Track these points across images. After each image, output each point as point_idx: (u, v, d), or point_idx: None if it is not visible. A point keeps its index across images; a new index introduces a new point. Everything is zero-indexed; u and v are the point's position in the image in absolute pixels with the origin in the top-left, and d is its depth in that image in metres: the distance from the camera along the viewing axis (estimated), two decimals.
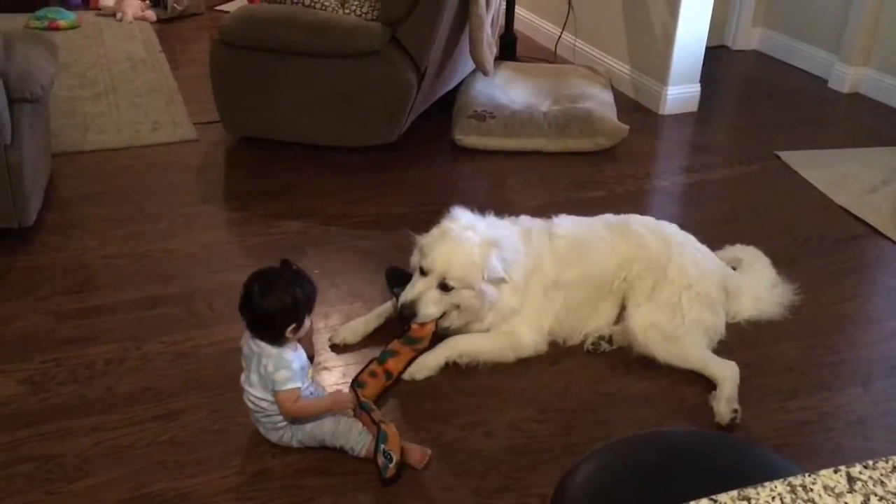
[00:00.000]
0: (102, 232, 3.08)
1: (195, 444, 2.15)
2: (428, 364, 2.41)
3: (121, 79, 4.47)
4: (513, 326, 2.49)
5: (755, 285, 2.73)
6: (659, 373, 2.46)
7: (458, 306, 2.42)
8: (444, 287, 2.36)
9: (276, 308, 1.99)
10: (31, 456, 2.09)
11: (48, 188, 3.24)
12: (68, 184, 3.40)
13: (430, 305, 2.37)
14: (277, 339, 2.03)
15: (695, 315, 2.48)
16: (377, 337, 2.53)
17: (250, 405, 2.09)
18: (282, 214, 3.24)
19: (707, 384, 2.41)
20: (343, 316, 2.63)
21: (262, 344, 2.03)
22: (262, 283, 2.01)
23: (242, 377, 2.09)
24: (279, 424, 2.09)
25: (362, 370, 2.32)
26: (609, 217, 2.73)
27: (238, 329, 2.50)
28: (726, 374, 2.36)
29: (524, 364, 2.49)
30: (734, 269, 2.78)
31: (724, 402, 2.28)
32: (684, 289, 2.49)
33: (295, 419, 2.08)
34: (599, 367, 2.48)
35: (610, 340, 2.54)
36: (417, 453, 2.11)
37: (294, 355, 2.06)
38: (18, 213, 2.88)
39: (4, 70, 2.77)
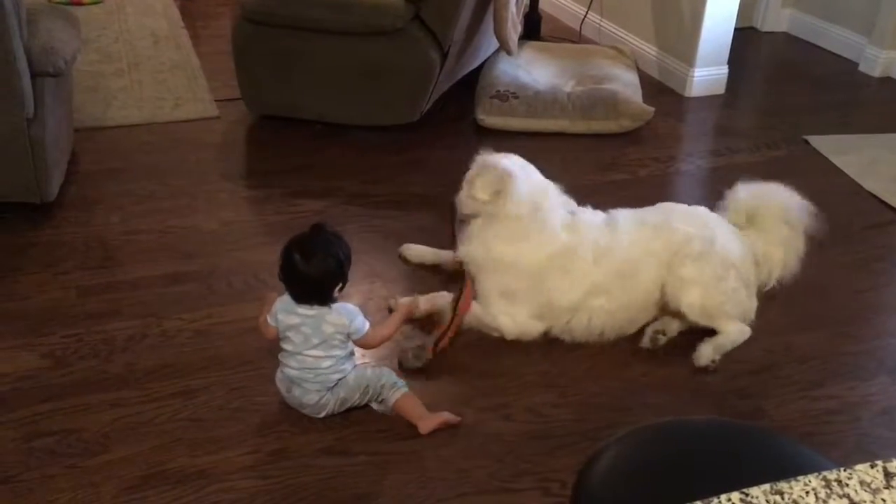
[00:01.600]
0: (124, 207, 3.09)
1: (214, 421, 2.15)
2: (423, 256, 2.71)
3: (143, 54, 4.46)
4: (502, 310, 2.45)
5: (777, 247, 2.65)
6: (682, 359, 2.42)
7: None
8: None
9: (322, 271, 2.04)
10: (51, 430, 2.10)
11: (70, 163, 3.24)
12: (90, 159, 3.40)
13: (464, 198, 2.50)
14: (326, 301, 2.07)
15: (734, 287, 2.44)
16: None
17: (302, 371, 2.08)
18: (302, 193, 3.22)
19: (729, 372, 2.39)
20: (362, 296, 2.62)
21: (315, 306, 2.06)
22: (303, 249, 2.04)
23: (290, 346, 2.09)
24: (330, 383, 2.11)
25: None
26: (653, 219, 2.55)
27: (255, 308, 2.49)
28: (733, 329, 2.41)
29: (545, 347, 2.46)
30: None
31: (712, 348, 2.36)
32: (732, 266, 2.44)
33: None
34: (621, 352, 2.46)
35: (664, 332, 2.48)
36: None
37: (348, 305, 2.14)
38: (41, 188, 2.88)
39: (27, 44, 2.76)
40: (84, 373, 2.29)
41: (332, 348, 2.10)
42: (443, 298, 2.51)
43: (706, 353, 2.36)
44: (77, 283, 2.66)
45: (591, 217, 2.56)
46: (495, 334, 2.48)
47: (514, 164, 2.50)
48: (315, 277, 2.04)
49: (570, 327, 2.47)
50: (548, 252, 2.43)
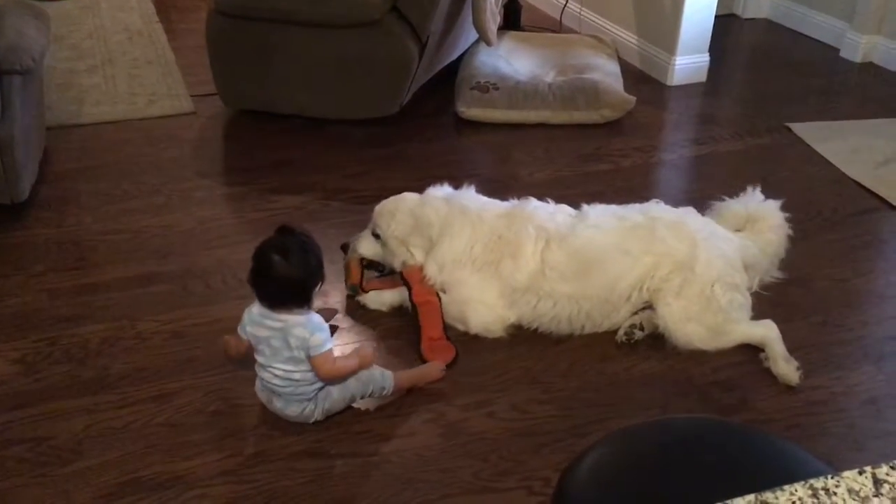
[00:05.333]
0: (98, 207, 3.02)
1: (190, 426, 2.10)
2: (383, 299, 2.53)
3: (117, 50, 4.38)
4: (467, 300, 2.44)
5: (774, 251, 2.64)
6: (665, 353, 2.39)
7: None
8: (375, 234, 2.54)
9: (305, 271, 1.99)
10: (22, 438, 2.04)
11: (42, 162, 3.17)
12: (63, 158, 3.34)
13: (362, 245, 2.56)
14: (307, 302, 2.01)
15: (728, 299, 2.40)
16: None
17: (277, 382, 2.03)
18: (280, 189, 3.17)
19: (715, 363, 2.37)
20: (341, 293, 2.58)
21: (285, 316, 1.99)
22: (281, 250, 1.97)
23: (262, 359, 2.04)
24: (309, 395, 2.05)
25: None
26: (636, 218, 2.51)
27: (233, 308, 2.46)
28: (770, 334, 2.36)
29: (528, 343, 2.43)
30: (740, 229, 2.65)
31: (783, 363, 2.30)
32: (715, 281, 2.39)
33: (330, 381, 2.06)
34: (605, 347, 2.42)
35: (642, 327, 2.43)
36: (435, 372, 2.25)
37: (320, 317, 2.05)
38: (11, 189, 2.82)
39: None
40: (56, 378, 2.24)
41: (300, 362, 2.02)
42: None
43: (785, 370, 2.28)
44: (49, 285, 2.60)
45: (542, 204, 2.56)
46: (460, 327, 2.45)
47: (413, 196, 2.59)
48: (298, 277, 1.97)
49: (538, 314, 2.43)
50: (480, 233, 2.45)
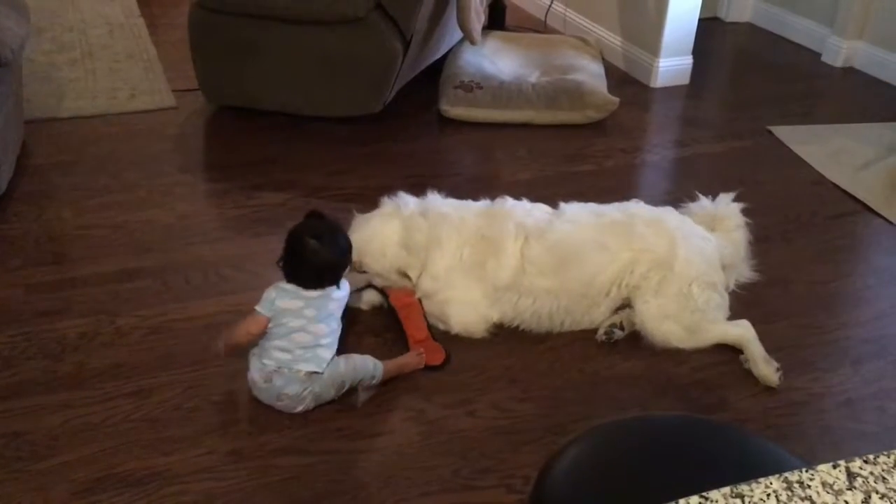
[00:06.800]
0: (77, 201, 2.99)
1: (168, 421, 2.08)
2: (362, 297, 2.51)
3: (98, 44, 4.34)
4: (449, 299, 2.43)
5: (742, 250, 2.67)
6: (646, 352, 2.40)
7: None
8: (360, 269, 2.46)
9: (340, 253, 2.13)
10: None
11: (20, 156, 3.14)
12: (42, 151, 3.30)
13: (363, 299, 2.50)
14: (337, 282, 2.14)
15: (706, 298, 2.42)
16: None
17: (286, 355, 2.06)
18: (262, 186, 3.15)
19: (695, 363, 2.38)
20: None
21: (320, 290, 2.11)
22: (315, 234, 2.09)
23: (283, 329, 2.06)
24: (322, 362, 2.08)
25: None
26: (614, 215, 2.54)
27: (213, 305, 2.46)
28: (747, 335, 2.37)
29: (509, 341, 2.43)
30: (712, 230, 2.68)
31: (763, 364, 2.31)
32: (693, 280, 2.41)
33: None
34: (586, 346, 2.43)
35: (622, 326, 2.44)
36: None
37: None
38: None
39: None
40: (32, 373, 2.21)
41: (333, 321, 2.13)
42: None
43: (765, 371, 2.29)
44: (26, 280, 2.57)
45: (518, 202, 2.57)
46: (441, 326, 2.44)
47: (386, 225, 2.49)
48: (333, 260, 2.10)
49: (518, 311, 2.44)
50: (466, 235, 2.45)
